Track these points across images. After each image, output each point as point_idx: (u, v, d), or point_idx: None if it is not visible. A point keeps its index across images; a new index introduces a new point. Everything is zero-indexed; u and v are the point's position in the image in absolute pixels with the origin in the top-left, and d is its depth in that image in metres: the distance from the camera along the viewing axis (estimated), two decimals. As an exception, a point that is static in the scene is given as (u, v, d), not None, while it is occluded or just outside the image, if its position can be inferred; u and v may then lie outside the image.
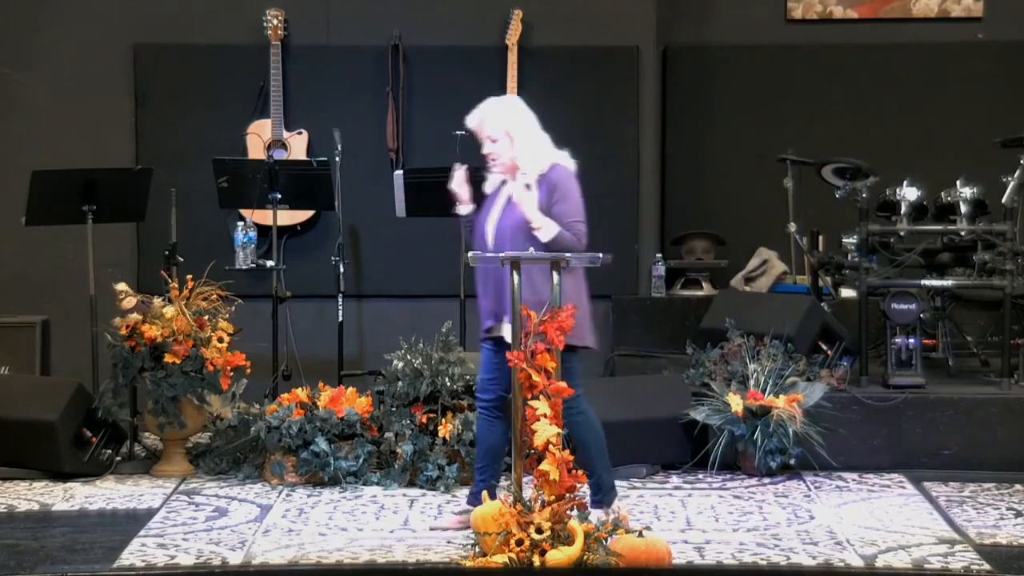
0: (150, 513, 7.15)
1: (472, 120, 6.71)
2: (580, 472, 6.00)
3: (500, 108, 6.71)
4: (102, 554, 6.40)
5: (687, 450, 8.08)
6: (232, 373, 7.96)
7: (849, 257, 8.64)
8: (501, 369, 6.47)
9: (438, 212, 8.73)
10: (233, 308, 8.08)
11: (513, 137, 6.62)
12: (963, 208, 8.62)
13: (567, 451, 5.98)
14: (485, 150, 6.65)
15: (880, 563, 6.29)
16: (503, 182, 6.69)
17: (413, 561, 6.30)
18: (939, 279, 8.69)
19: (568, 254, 6.33)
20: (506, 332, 6.48)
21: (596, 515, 6.26)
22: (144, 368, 7.90)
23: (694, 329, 9.14)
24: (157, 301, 8.00)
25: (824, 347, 8.49)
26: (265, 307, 8.86)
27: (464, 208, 6.83)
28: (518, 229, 6.56)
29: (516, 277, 6.19)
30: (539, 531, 5.85)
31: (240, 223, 9.10)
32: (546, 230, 6.50)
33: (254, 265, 9.02)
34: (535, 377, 5.97)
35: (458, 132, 9.16)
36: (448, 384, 7.81)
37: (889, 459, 8.11)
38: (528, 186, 6.58)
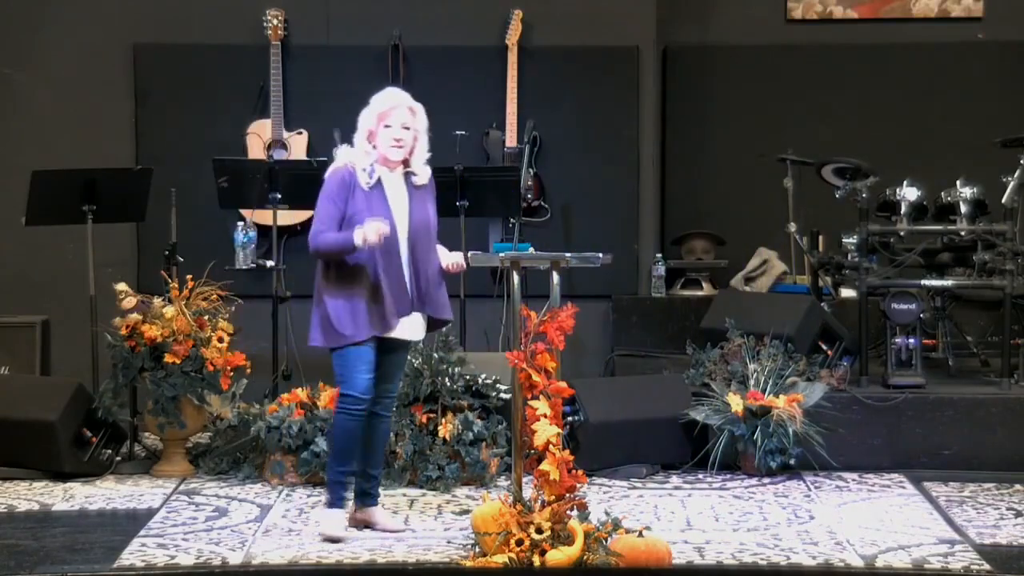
0: (150, 513, 7.15)
1: (399, 99, 6.58)
2: (580, 472, 6.00)
3: (423, 109, 6.66)
4: (102, 554, 6.40)
5: (687, 450, 8.08)
6: (232, 373, 7.96)
7: (849, 257, 8.64)
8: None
9: (438, 212, 8.74)
10: (233, 308, 8.08)
11: (418, 138, 6.61)
12: (963, 208, 8.62)
13: (567, 451, 5.98)
14: (395, 135, 6.51)
15: (880, 563, 6.29)
16: (378, 178, 6.54)
17: (413, 561, 6.30)
18: (939, 279, 8.69)
19: (568, 254, 6.33)
20: (403, 331, 6.56)
21: None
22: (144, 368, 7.90)
23: (694, 329, 9.15)
24: (157, 301, 8.00)
25: (824, 347, 8.49)
26: (265, 307, 8.86)
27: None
28: (429, 228, 6.61)
29: (516, 277, 6.19)
30: (539, 531, 5.85)
31: (240, 223, 9.10)
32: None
33: (254, 265, 9.02)
34: (535, 377, 5.97)
35: (458, 132, 9.22)
36: (448, 384, 7.81)
37: (889, 459, 8.11)
38: (419, 187, 6.62)
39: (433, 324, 6.74)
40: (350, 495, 6.74)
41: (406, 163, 6.61)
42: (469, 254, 6.36)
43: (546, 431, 5.91)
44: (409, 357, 7.91)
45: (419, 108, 6.62)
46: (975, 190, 8.66)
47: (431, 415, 7.80)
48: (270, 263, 8.96)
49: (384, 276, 6.49)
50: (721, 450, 7.91)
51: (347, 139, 9.00)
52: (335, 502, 6.66)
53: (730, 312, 8.68)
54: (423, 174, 6.64)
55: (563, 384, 6.03)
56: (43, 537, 6.70)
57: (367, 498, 6.79)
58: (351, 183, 6.52)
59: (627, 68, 9.77)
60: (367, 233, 6.36)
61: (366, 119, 6.57)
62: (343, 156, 6.60)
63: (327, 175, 6.61)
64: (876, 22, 10.30)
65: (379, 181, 6.55)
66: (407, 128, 6.56)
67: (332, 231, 6.47)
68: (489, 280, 9.37)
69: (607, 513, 6.12)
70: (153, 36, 9.68)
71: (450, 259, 6.62)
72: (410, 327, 6.61)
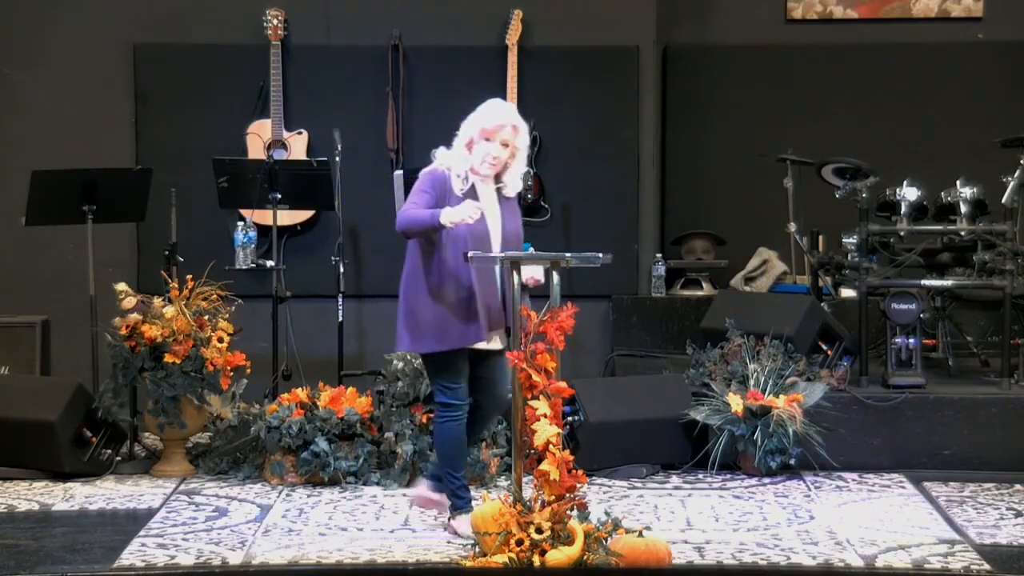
0: (150, 513, 7.16)
1: (507, 116, 6.54)
2: (580, 472, 6.00)
3: (526, 128, 6.62)
4: (102, 554, 6.40)
5: (687, 450, 8.08)
6: (232, 373, 7.96)
7: (849, 257, 8.64)
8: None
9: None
10: (233, 308, 8.08)
11: (516, 157, 6.58)
12: (963, 208, 8.62)
13: (567, 451, 5.98)
14: (493, 152, 6.50)
15: (880, 563, 6.29)
16: (471, 185, 6.55)
17: (413, 561, 6.30)
18: (939, 279, 8.69)
19: (568, 254, 6.33)
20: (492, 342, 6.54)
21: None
22: (144, 368, 7.91)
23: (694, 329, 9.15)
24: (157, 301, 8.00)
25: (824, 347, 8.49)
26: (265, 307, 8.86)
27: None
28: (519, 239, 6.62)
29: (516, 277, 6.20)
30: (539, 531, 5.85)
31: (240, 223, 9.10)
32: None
33: (254, 265, 9.02)
34: (535, 377, 5.97)
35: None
36: (448, 384, 7.80)
37: (889, 459, 8.11)
38: (507, 198, 6.61)
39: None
40: (471, 495, 6.71)
41: (497, 176, 6.59)
42: (469, 254, 6.35)
43: (546, 431, 5.91)
44: (409, 357, 7.93)
45: (523, 126, 6.57)
46: (975, 190, 8.66)
47: (431, 415, 7.79)
48: (270, 263, 8.96)
49: (479, 286, 6.45)
50: (721, 450, 7.91)
51: (347, 139, 9.09)
52: (464, 506, 6.65)
53: (730, 312, 8.68)
54: (512, 188, 6.61)
55: (563, 384, 6.03)
56: (43, 537, 6.70)
57: (437, 481, 6.77)
58: (445, 185, 6.50)
59: (627, 68, 9.77)
60: (460, 212, 6.30)
61: (469, 128, 6.55)
62: (441, 158, 6.58)
63: (422, 172, 6.62)
64: (876, 22, 10.30)
65: (472, 188, 6.54)
66: (506, 145, 6.53)
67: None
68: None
69: (607, 513, 6.12)
70: (153, 36, 9.67)
71: (528, 273, 6.51)
72: (498, 337, 6.58)
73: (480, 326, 6.48)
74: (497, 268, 6.52)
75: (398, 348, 6.70)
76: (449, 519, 6.73)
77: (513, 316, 6.17)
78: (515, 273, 6.18)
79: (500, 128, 6.52)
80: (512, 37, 9.58)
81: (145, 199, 8.67)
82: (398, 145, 9.64)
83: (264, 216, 8.89)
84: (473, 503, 6.71)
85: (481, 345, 6.53)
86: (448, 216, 6.32)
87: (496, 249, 6.53)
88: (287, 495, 7.54)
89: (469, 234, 6.44)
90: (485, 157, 6.52)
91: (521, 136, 6.57)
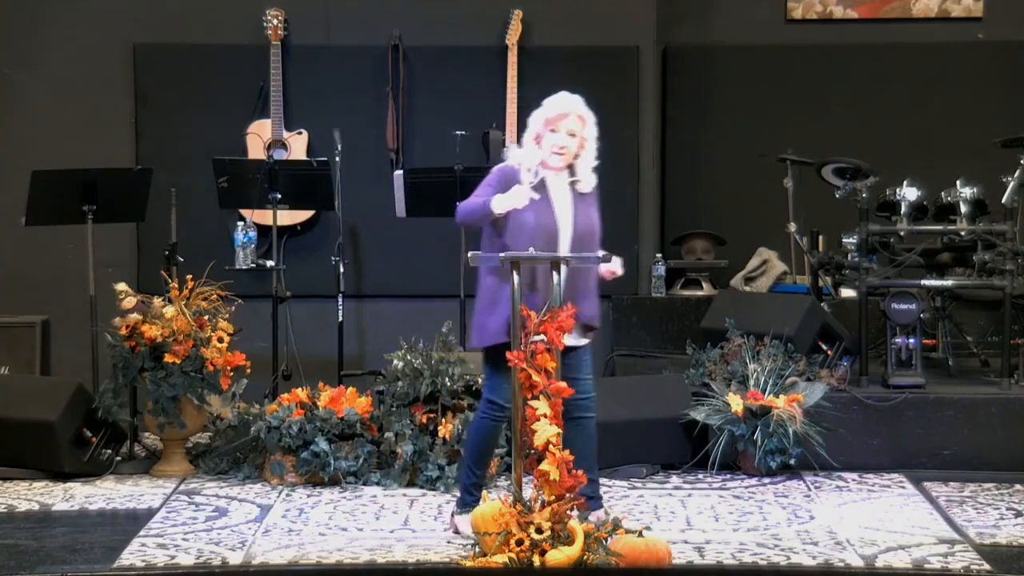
0: (150, 513, 7.16)
1: (569, 106, 6.50)
2: (580, 472, 6.00)
3: (593, 118, 6.58)
4: (102, 554, 6.40)
5: (687, 450, 8.08)
6: (232, 373, 7.96)
7: (849, 257, 8.64)
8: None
9: (438, 212, 8.75)
10: (233, 308, 8.08)
11: (585, 148, 6.54)
12: (963, 208, 8.62)
13: (567, 451, 5.98)
14: (560, 142, 6.45)
15: (880, 563, 6.29)
16: (542, 179, 6.49)
17: (413, 561, 6.30)
18: (939, 279, 8.69)
19: (568, 254, 6.33)
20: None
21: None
22: (144, 368, 7.90)
23: (694, 329, 9.15)
24: (157, 301, 8.00)
25: (824, 347, 8.49)
26: (265, 307, 8.87)
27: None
28: (592, 234, 6.56)
29: (516, 277, 6.19)
30: (539, 531, 5.85)
31: (240, 223, 9.10)
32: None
33: (254, 265, 9.02)
34: (535, 377, 5.97)
35: (458, 132, 9.22)
36: (448, 384, 7.81)
37: (889, 459, 8.11)
38: (582, 193, 6.54)
39: (583, 329, 6.61)
40: (481, 496, 6.62)
41: (571, 170, 6.55)
42: (469, 254, 6.34)
43: (546, 431, 5.91)
44: (409, 357, 7.92)
45: (589, 116, 6.54)
46: (975, 190, 8.66)
47: (431, 415, 7.80)
48: (270, 263, 8.97)
49: (543, 281, 6.38)
50: (721, 450, 7.91)
51: (347, 139, 9.09)
52: (470, 503, 6.58)
53: (730, 312, 8.68)
54: (587, 182, 6.56)
55: (563, 384, 6.03)
56: (43, 537, 6.70)
57: (589, 501, 6.63)
58: (514, 179, 6.46)
59: (627, 68, 9.78)
60: (509, 198, 6.28)
61: (535, 122, 6.52)
62: (512, 156, 6.57)
63: (492, 169, 6.62)
64: (876, 22, 10.30)
65: (543, 182, 6.50)
66: (573, 135, 6.49)
67: None
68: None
69: (607, 513, 6.12)
70: (153, 36, 9.68)
71: (609, 266, 6.49)
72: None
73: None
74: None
75: (472, 344, 6.65)
76: (452, 515, 6.73)
77: (513, 316, 6.14)
78: (513, 272, 6.17)
79: (563, 117, 6.48)
80: (512, 37, 9.58)
81: (145, 199, 8.67)
82: (398, 145, 9.64)
83: (264, 216, 8.89)
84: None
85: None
86: (499, 202, 6.34)
87: (565, 244, 6.46)
88: (287, 495, 7.54)
89: (536, 229, 6.41)
90: (552, 148, 6.48)
91: (588, 126, 6.53)
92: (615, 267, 6.53)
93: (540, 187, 6.49)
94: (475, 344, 6.59)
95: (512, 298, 6.20)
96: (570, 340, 6.45)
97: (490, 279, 6.53)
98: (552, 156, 6.49)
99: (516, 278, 6.21)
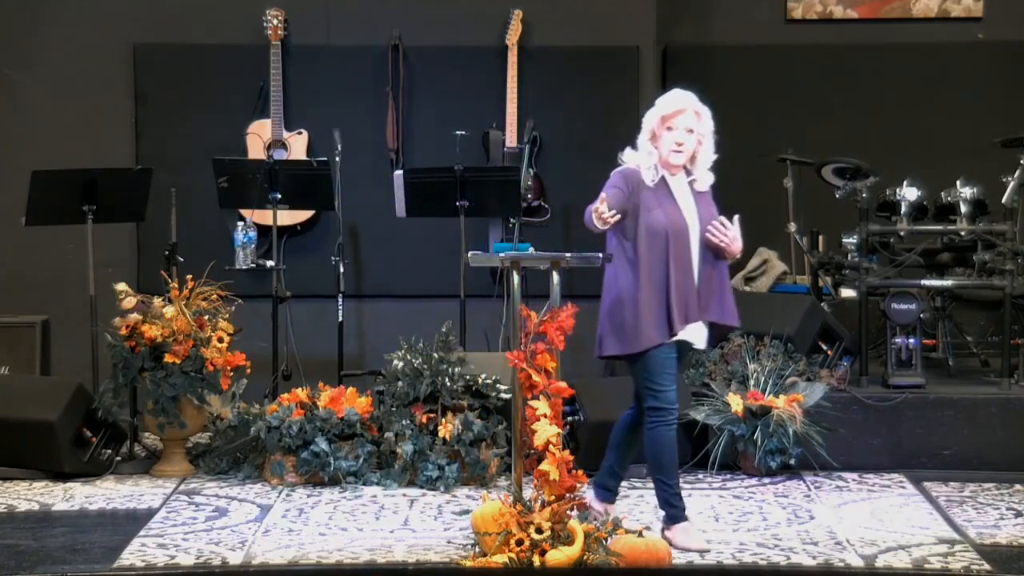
0: (150, 513, 7.16)
1: (685, 102, 6.44)
2: (580, 472, 6.00)
3: (709, 113, 6.50)
4: (102, 554, 6.40)
5: (687, 450, 8.07)
6: (232, 373, 7.96)
7: (849, 257, 8.64)
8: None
9: (438, 212, 8.76)
10: (233, 308, 8.08)
11: (703, 144, 6.48)
12: (963, 208, 8.63)
13: (567, 451, 5.98)
14: (677, 138, 6.39)
15: (880, 563, 6.29)
16: (662, 177, 6.44)
17: (413, 561, 6.30)
18: (939, 279, 8.70)
19: (568, 254, 6.33)
20: (690, 335, 6.42)
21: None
22: (144, 368, 7.90)
23: (694, 329, 9.14)
24: (157, 301, 8.00)
25: (824, 347, 8.49)
26: (265, 307, 8.86)
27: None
28: None
29: (516, 277, 6.19)
30: (539, 531, 5.85)
31: (240, 223, 9.10)
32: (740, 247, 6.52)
33: (254, 265, 9.02)
34: (535, 377, 5.97)
35: (458, 132, 9.22)
36: (448, 384, 7.81)
37: (889, 459, 8.11)
38: (700, 192, 6.49)
39: (719, 331, 6.60)
40: (684, 504, 6.57)
41: (688, 170, 6.49)
42: (469, 254, 6.35)
43: (546, 431, 5.91)
44: (409, 357, 7.92)
45: (705, 111, 6.47)
46: (975, 190, 8.66)
47: (431, 415, 7.80)
48: (270, 263, 8.96)
49: (675, 279, 6.35)
50: (721, 450, 7.91)
51: (347, 139, 9.09)
52: (678, 516, 6.51)
53: (730, 312, 8.67)
54: (703, 181, 6.50)
55: (563, 384, 6.03)
56: (43, 537, 6.70)
57: (611, 495, 6.70)
58: (637, 178, 6.41)
59: (627, 68, 9.77)
60: (595, 221, 6.21)
61: (649, 120, 6.47)
62: (628, 158, 6.50)
63: (613, 172, 6.52)
64: (876, 22, 10.29)
65: (664, 181, 6.44)
66: (690, 132, 6.43)
67: None
68: (489, 280, 9.37)
69: (607, 513, 6.12)
70: (153, 36, 9.67)
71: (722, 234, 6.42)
72: (696, 333, 6.47)
73: (675, 320, 6.34)
74: (695, 260, 6.40)
75: (598, 353, 6.54)
76: (663, 529, 6.55)
77: (513, 316, 6.15)
78: (514, 272, 6.16)
79: (679, 113, 6.42)
80: (512, 37, 9.58)
81: (145, 199, 8.67)
82: (398, 145, 9.64)
83: (264, 216, 8.89)
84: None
85: (684, 336, 6.40)
86: (591, 224, 6.26)
87: (695, 242, 6.41)
88: (287, 495, 7.54)
89: (668, 228, 6.36)
90: (671, 145, 6.41)
91: (705, 121, 6.46)
92: (735, 246, 6.44)
93: (662, 186, 6.42)
94: (630, 350, 6.40)
95: (512, 298, 6.20)
96: (695, 338, 6.44)
97: (606, 288, 6.44)
98: (672, 153, 6.41)
99: (516, 278, 6.20)
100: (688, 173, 6.51)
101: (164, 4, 9.69)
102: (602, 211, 6.17)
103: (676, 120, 6.42)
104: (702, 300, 6.43)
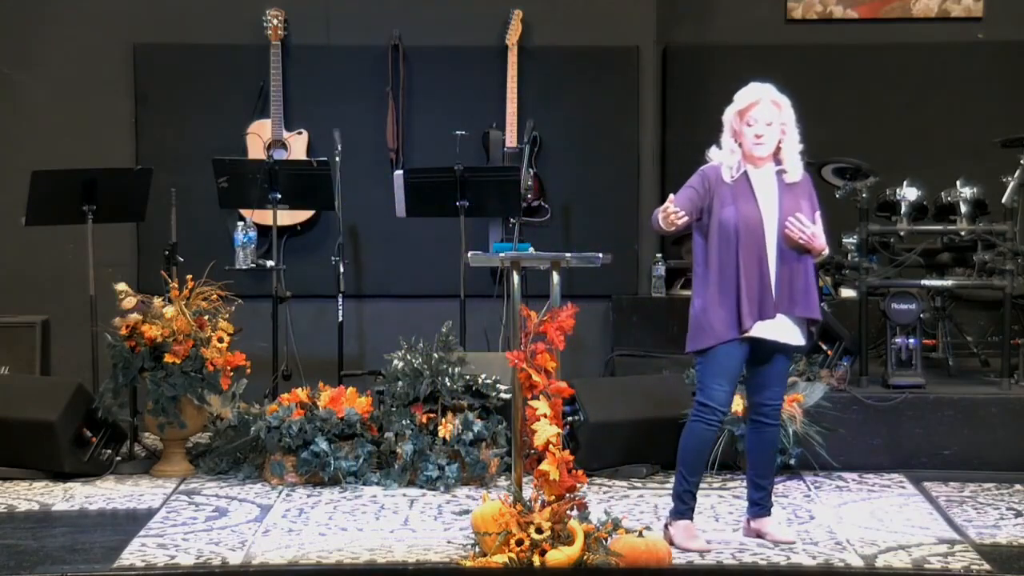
0: (150, 513, 7.15)
1: (760, 94, 6.42)
2: (580, 472, 5.99)
3: (788, 102, 6.46)
4: (102, 554, 6.40)
5: (687, 450, 8.06)
6: (232, 373, 7.96)
7: (849, 257, 8.64)
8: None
9: (438, 212, 8.76)
10: (233, 308, 8.07)
11: (787, 133, 6.43)
12: (963, 208, 8.63)
13: (567, 451, 5.98)
14: (757, 131, 6.34)
15: (880, 563, 6.29)
16: (743, 172, 6.38)
17: (413, 561, 6.30)
18: (939, 279, 8.69)
19: (568, 254, 6.33)
20: (774, 333, 6.37)
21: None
22: (144, 368, 7.90)
23: (694, 329, 9.13)
24: (157, 301, 8.00)
25: (824, 347, 8.48)
26: (265, 307, 8.87)
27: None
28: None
29: (516, 277, 6.19)
30: (539, 531, 5.85)
31: (240, 223, 9.10)
32: (823, 244, 6.41)
33: (254, 265, 9.02)
34: (535, 377, 5.97)
35: (458, 132, 9.22)
36: (448, 384, 7.81)
37: (889, 459, 8.11)
38: (790, 184, 6.39)
39: (807, 326, 6.51)
40: (695, 505, 6.53)
41: (777, 160, 6.43)
42: (469, 254, 6.34)
43: (546, 431, 5.91)
44: (409, 357, 7.91)
45: (784, 101, 6.42)
46: (975, 190, 8.66)
47: (431, 415, 7.80)
48: (270, 263, 8.97)
49: (745, 275, 6.29)
50: (721, 450, 7.90)
51: (347, 139, 9.09)
52: (684, 513, 6.48)
53: (730, 312, 8.66)
54: (794, 171, 6.42)
55: (563, 384, 6.03)
56: (43, 537, 6.70)
57: (758, 508, 6.63)
58: (713, 178, 6.37)
59: (627, 68, 9.77)
60: (660, 223, 6.25)
61: (728, 118, 6.43)
62: (713, 156, 6.46)
63: (698, 171, 6.49)
64: (876, 22, 10.29)
65: (746, 176, 6.37)
66: (770, 124, 6.37)
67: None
68: (489, 280, 9.37)
69: (607, 513, 6.12)
70: (153, 36, 9.68)
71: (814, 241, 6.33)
72: (782, 330, 6.37)
73: (744, 317, 6.28)
74: (771, 255, 6.32)
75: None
76: (665, 525, 6.54)
77: (513, 316, 6.15)
78: (514, 272, 6.16)
79: (755, 105, 6.38)
80: (512, 37, 9.58)
81: (145, 199, 8.67)
82: (398, 145, 9.64)
83: (264, 216, 8.89)
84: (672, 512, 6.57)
85: (756, 333, 6.32)
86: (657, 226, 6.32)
87: (771, 237, 6.32)
88: (287, 495, 7.54)
89: (739, 223, 6.30)
90: (752, 139, 6.35)
91: (785, 111, 6.40)
92: (809, 235, 6.32)
93: (742, 181, 6.36)
94: (696, 347, 6.41)
95: (512, 298, 6.20)
96: (783, 335, 6.38)
97: (700, 280, 6.43)
98: (754, 147, 6.35)
99: (516, 278, 6.20)
100: (778, 164, 6.44)
101: (164, 4, 9.69)
102: (669, 211, 6.18)
103: (752, 113, 6.38)
104: (781, 295, 6.33)
